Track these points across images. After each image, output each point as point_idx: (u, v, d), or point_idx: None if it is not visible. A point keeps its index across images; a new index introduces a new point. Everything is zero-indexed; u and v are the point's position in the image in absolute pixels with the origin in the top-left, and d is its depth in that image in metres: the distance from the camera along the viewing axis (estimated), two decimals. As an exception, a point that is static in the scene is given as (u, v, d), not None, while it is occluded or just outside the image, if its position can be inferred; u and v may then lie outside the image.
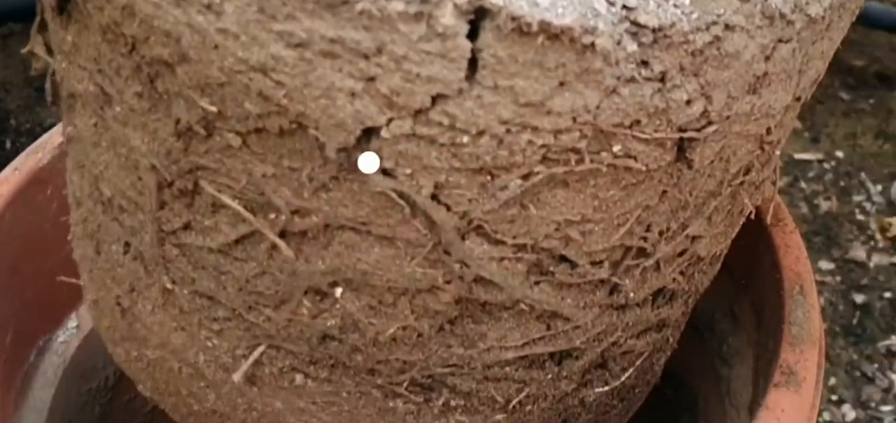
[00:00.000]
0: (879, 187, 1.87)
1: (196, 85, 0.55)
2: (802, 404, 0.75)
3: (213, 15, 0.51)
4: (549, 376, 0.70)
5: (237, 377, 0.69)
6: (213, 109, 0.55)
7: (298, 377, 0.69)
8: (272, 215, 0.60)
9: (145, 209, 0.64)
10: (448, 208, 0.57)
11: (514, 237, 0.59)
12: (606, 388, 0.74)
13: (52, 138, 0.98)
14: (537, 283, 0.63)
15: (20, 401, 0.96)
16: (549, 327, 0.66)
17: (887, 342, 1.61)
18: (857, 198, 1.85)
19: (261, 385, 0.70)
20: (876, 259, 1.74)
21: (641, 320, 0.70)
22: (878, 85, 2.10)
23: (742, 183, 0.67)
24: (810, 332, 0.80)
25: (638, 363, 0.75)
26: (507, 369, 0.68)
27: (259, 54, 0.51)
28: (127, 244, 0.70)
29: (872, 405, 1.51)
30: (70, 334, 1.04)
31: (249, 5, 0.50)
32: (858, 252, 1.75)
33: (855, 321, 1.64)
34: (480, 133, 0.53)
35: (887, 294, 1.68)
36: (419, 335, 0.65)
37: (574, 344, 0.68)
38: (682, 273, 0.70)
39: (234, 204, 0.60)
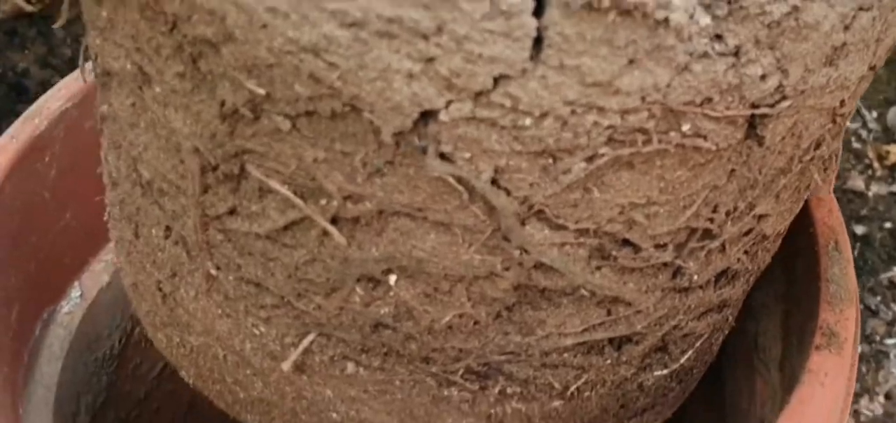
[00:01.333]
0: (875, 114, 1.80)
1: (242, 66, 0.52)
2: (844, 365, 0.73)
3: None
4: (609, 361, 0.68)
5: (286, 365, 0.67)
6: (261, 91, 0.52)
7: (350, 366, 0.67)
8: (323, 201, 0.57)
9: (188, 193, 0.62)
10: (508, 193, 0.54)
11: (577, 222, 0.57)
12: (666, 371, 0.72)
13: (48, 103, 0.95)
14: (599, 268, 0.60)
15: (28, 376, 0.95)
16: (609, 313, 0.64)
17: (889, 274, 1.55)
18: (852, 126, 1.78)
19: (310, 374, 0.68)
20: (874, 188, 1.67)
21: (703, 302, 0.68)
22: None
23: (812, 158, 0.64)
24: (848, 289, 0.77)
25: (697, 344, 0.72)
26: (566, 355, 0.66)
27: (311, 34, 0.48)
28: (168, 228, 0.67)
29: (877, 338, 1.46)
30: (74, 304, 1.02)
31: None
32: (857, 182, 1.68)
33: (856, 253, 1.57)
34: (544, 115, 0.50)
35: (888, 224, 1.62)
36: (476, 323, 0.62)
37: (635, 329, 0.66)
38: (746, 252, 0.68)
39: (284, 190, 0.58)
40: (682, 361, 0.72)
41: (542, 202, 0.55)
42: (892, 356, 1.43)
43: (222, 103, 0.55)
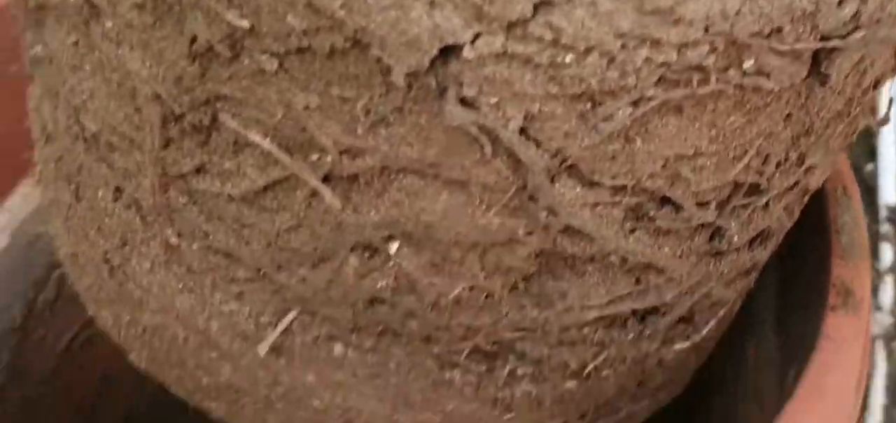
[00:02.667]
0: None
1: None
2: (862, 327, 0.65)
3: None
4: (631, 336, 0.59)
5: (263, 348, 0.57)
6: (244, 23, 0.43)
7: (337, 347, 0.58)
8: (315, 156, 0.48)
9: (145, 148, 0.52)
10: (538, 145, 0.46)
11: (614, 178, 0.48)
12: (688, 344, 0.64)
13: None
14: (633, 230, 0.52)
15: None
16: (638, 281, 0.56)
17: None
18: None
19: (289, 357, 0.59)
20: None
21: (736, 267, 0.60)
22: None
23: (869, 99, 0.56)
24: (861, 241, 0.69)
25: (721, 313, 0.65)
26: (586, 330, 0.58)
27: None
28: (118, 190, 0.58)
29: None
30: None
31: None
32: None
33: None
34: (589, 50, 0.42)
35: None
36: (488, 296, 0.54)
37: (664, 299, 0.57)
38: (785, 209, 0.60)
39: (266, 143, 0.48)
40: (704, 332, 0.64)
41: (578, 155, 0.47)
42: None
43: (193, 40, 0.46)
